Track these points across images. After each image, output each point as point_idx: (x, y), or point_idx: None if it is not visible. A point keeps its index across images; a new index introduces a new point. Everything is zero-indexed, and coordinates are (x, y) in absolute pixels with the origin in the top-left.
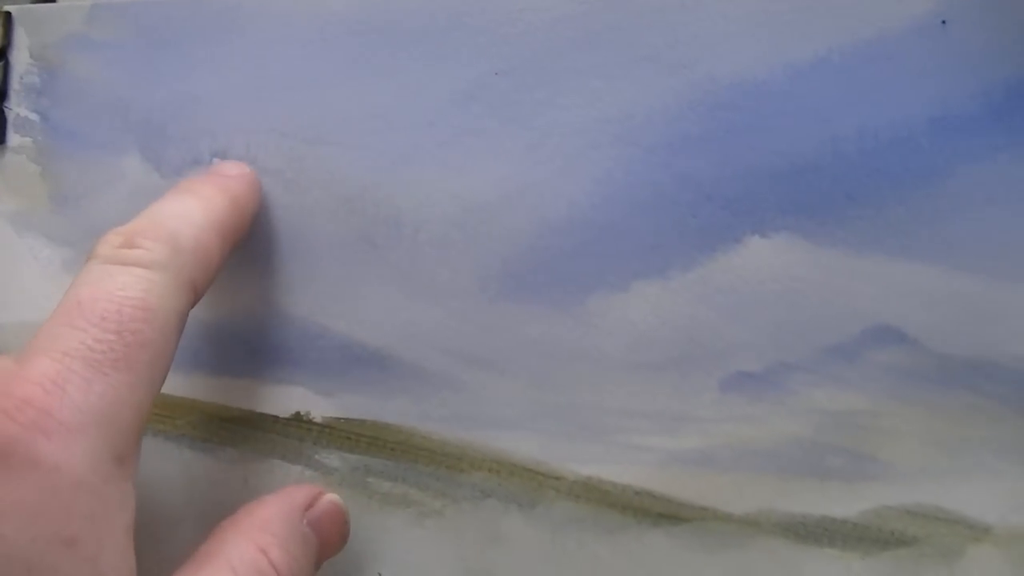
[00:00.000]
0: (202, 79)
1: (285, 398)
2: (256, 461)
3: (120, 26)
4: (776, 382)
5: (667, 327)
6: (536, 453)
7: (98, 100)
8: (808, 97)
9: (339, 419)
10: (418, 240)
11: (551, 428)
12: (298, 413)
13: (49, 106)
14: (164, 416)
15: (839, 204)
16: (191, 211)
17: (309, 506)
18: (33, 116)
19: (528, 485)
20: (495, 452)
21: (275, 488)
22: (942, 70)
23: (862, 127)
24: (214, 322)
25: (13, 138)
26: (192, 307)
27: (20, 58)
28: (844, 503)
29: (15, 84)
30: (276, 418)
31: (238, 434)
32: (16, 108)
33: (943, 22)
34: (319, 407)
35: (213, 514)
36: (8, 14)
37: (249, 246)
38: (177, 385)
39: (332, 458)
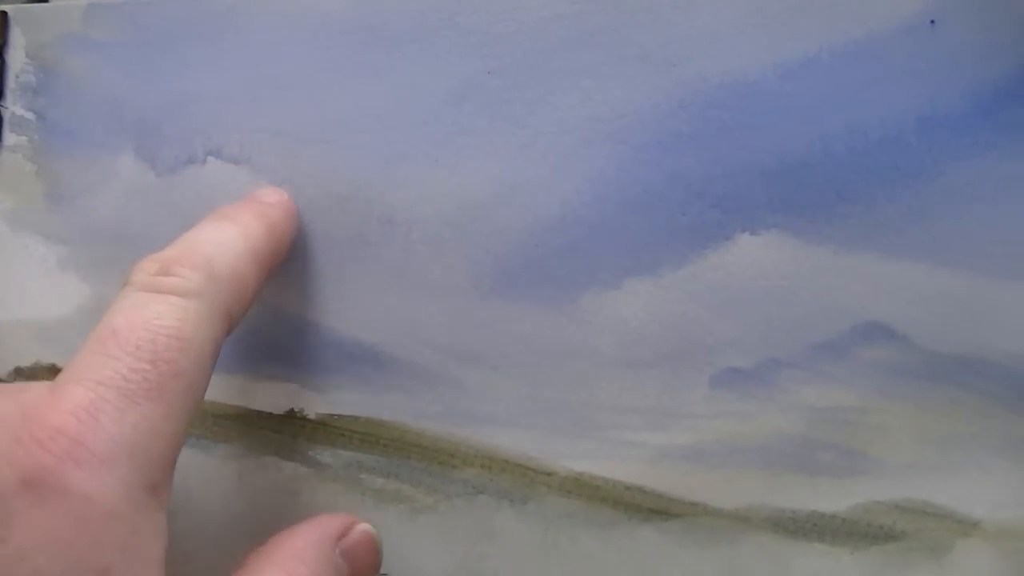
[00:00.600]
0: (197, 78)
1: (279, 395)
2: (250, 457)
3: (116, 26)
4: (766, 378)
5: (658, 324)
6: (528, 449)
7: (94, 99)
8: (798, 96)
9: (332, 416)
10: (411, 238)
11: (543, 424)
12: (292, 410)
13: (45, 105)
14: None
15: (829, 202)
16: (228, 238)
17: (342, 536)
18: (29, 115)
19: (520, 481)
20: (487, 448)
21: (268, 485)
22: (931, 69)
23: (852, 126)
24: None
25: (9, 137)
26: (227, 335)
27: (16, 57)
28: (833, 498)
29: (11, 83)
30: (270, 415)
31: (232, 431)
32: (12, 107)
33: (932, 22)
34: (312, 404)
35: (207, 510)
36: (4, 13)
37: None
38: None
39: (325, 454)
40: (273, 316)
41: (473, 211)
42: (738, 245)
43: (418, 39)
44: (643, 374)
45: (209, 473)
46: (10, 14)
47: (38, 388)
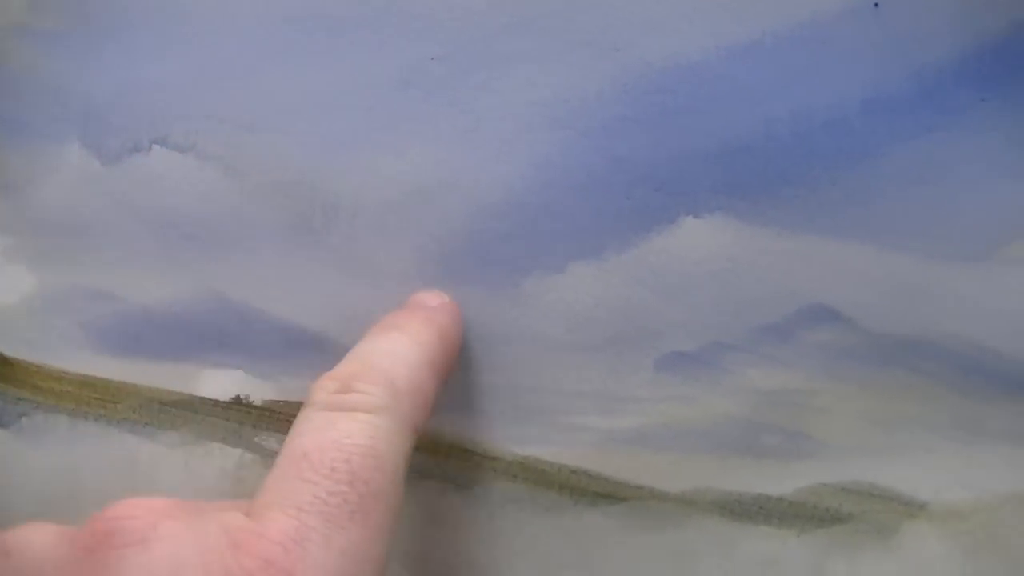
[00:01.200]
0: (141, 66)
1: (225, 382)
2: (196, 445)
3: (61, 15)
4: (711, 362)
5: (603, 308)
6: (473, 434)
7: (39, 89)
8: (742, 80)
9: (279, 402)
10: (355, 224)
11: (488, 409)
12: (238, 397)
13: None
14: (105, 401)
15: (773, 185)
16: (402, 349)
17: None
18: None
19: (466, 466)
20: (432, 433)
21: (214, 472)
22: (875, 52)
23: (795, 109)
24: (154, 307)
25: None
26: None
27: None
28: (779, 481)
29: None
30: (216, 402)
31: (178, 418)
32: None
33: (876, 5)
34: (259, 390)
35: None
36: None
37: (188, 231)
38: (117, 370)
39: (272, 441)
40: (218, 303)
41: (417, 197)
42: (682, 228)
43: (362, 25)
44: (588, 358)
45: (155, 461)
46: None
47: (234, 515)
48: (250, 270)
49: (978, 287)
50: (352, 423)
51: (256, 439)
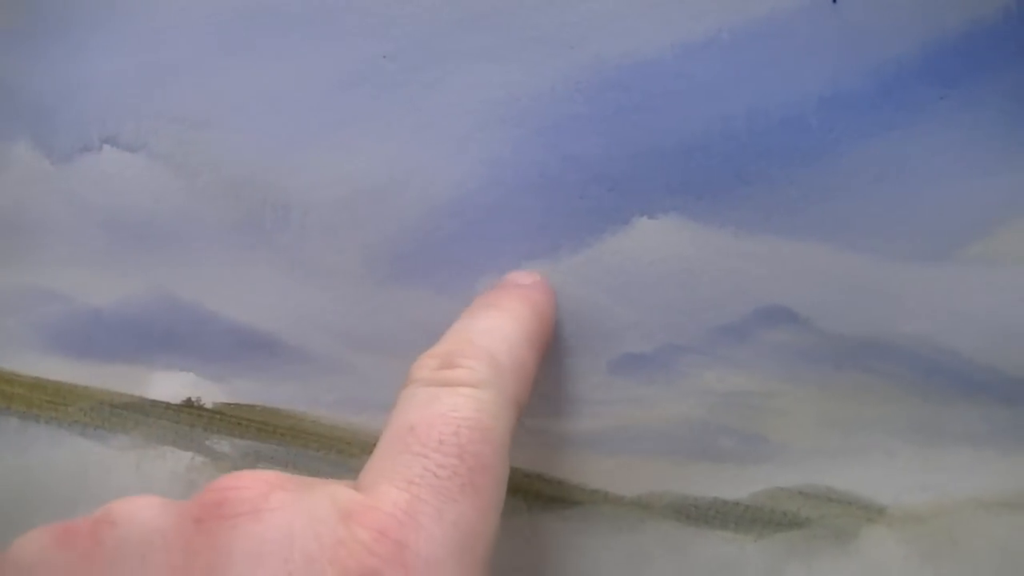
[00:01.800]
0: (91, 65)
1: (175, 384)
2: (148, 447)
3: (9, 13)
4: (666, 363)
5: (556, 309)
6: None
7: None
8: (697, 76)
9: (229, 404)
10: (306, 223)
11: None
12: (189, 399)
13: None
14: (55, 403)
15: (728, 184)
16: (500, 326)
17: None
18: None
19: None
20: None
21: (166, 475)
22: (833, 48)
23: (752, 106)
24: (105, 308)
25: None
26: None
27: None
28: (736, 485)
29: None
30: (167, 405)
31: (129, 420)
32: None
33: (834, 1)
34: (209, 393)
35: (104, 501)
36: None
37: (139, 231)
38: (68, 372)
39: (223, 444)
40: (169, 304)
41: (369, 195)
42: (636, 228)
43: (314, 21)
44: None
45: (106, 464)
46: None
47: (344, 489)
48: (201, 270)
49: (937, 287)
50: (457, 397)
51: (207, 442)
